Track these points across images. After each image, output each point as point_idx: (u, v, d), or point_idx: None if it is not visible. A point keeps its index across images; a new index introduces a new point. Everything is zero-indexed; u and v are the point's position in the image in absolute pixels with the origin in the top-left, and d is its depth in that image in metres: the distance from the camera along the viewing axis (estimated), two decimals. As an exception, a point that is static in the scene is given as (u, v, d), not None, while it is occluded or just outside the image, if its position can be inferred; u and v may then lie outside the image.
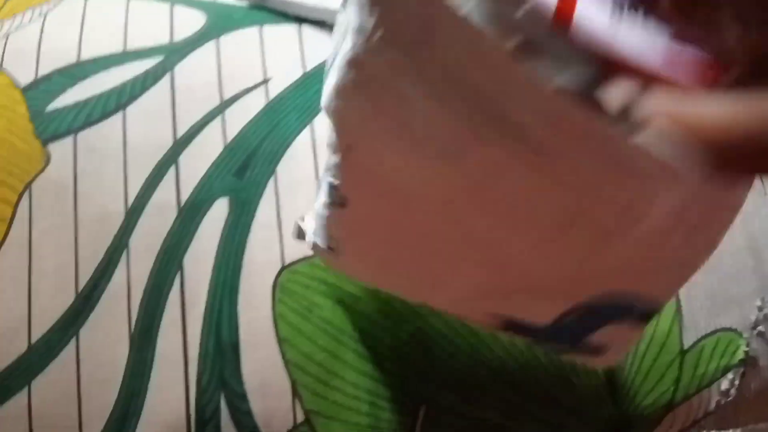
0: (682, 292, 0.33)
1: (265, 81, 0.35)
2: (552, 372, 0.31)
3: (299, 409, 0.30)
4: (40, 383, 0.30)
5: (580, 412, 0.31)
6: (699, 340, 0.32)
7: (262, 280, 0.32)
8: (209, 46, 0.36)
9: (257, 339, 0.31)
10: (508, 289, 0.24)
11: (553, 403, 0.31)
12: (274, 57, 0.36)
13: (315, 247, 0.26)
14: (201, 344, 0.30)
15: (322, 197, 0.24)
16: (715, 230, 0.22)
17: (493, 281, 0.23)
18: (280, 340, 0.31)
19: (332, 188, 0.23)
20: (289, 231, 0.32)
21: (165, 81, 0.35)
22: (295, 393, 0.30)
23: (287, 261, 0.32)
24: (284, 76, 0.35)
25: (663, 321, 0.32)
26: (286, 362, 0.31)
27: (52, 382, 0.30)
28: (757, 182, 0.35)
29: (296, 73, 0.36)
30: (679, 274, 0.23)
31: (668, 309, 0.32)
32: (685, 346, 0.32)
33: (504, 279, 0.23)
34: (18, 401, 0.29)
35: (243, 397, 0.30)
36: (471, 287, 0.24)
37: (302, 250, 0.32)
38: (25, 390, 0.30)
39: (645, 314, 0.24)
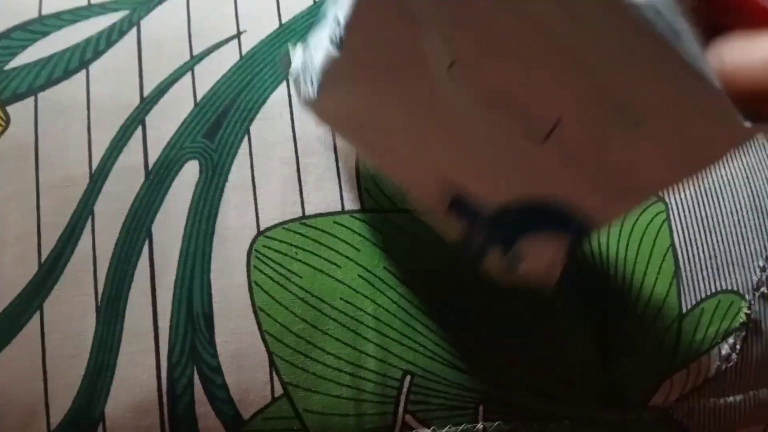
0: (681, 252, 0.31)
1: (238, 34, 0.33)
2: (541, 338, 0.30)
3: (277, 382, 0.29)
4: (3, 358, 0.28)
5: (572, 382, 0.30)
6: (698, 303, 0.31)
7: (236, 247, 0.30)
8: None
9: (231, 308, 0.29)
10: (466, 163, 0.24)
11: (544, 371, 0.30)
12: (247, 9, 0.34)
13: (296, 81, 0.26)
14: (172, 315, 0.29)
15: (325, 30, 0.23)
16: (680, 168, 0.20)
17: (453, 155, 0.24)
18: (256, 310, 0.29)
19: (336, 23, 0.22)
20: (264, 195, 0.30)
21: (131, 35, 0.32)
22: (273, 365, 0.29)
23: (263, 226, 0.30)
24: (258, 29, 0.33)
25: (660, 282, 0.31)
26: (263, 333, 0.29)
27: (15, 358, 0.28)
28: (762, 137, 0.33)
29: (271, 26, 0.34)
30: (624, 199, 0.23)
31: (666, 270, 0.31)
32: (684, 309, 0.31)
33: (464, 155, 0.24)
34: (-18, 376, 0.28)
35: (217, 369, 0.29)
36: (434, 155, 0.25)
37: (278, 215, 0.30)
38: (-11, 365, 0.28)
39: (580, 232, 0.24)
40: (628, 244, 0.31)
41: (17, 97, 0.31)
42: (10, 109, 0.31)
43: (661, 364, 0.30)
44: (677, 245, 0.31)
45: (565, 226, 0.24)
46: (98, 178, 0.30)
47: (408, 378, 0.29)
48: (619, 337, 0.30)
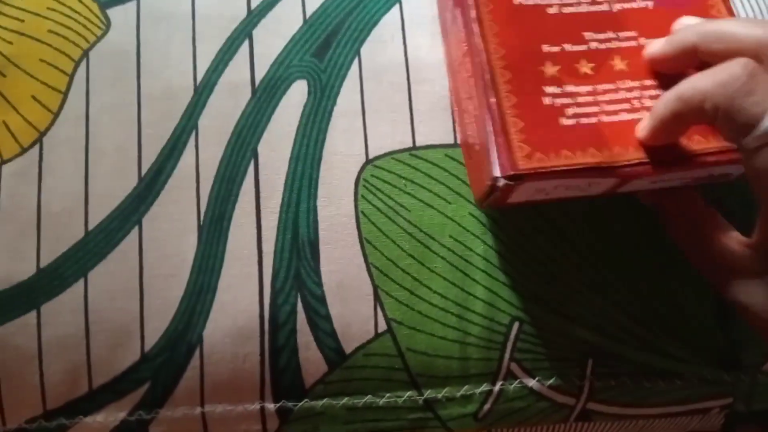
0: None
1: (351, -49, 0.31)
2: (658, 291, 0.28)
3: (381, 317, 0.27)
4: (97, 274, 0.27)
5: (686, 338, 0.28)
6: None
7: (343, 174, 0.28)
8: None
9: (338, 237, 0.28)
10: None
11: (658, 325, 0.28)
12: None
13: None
14: (276, 239, 0.27)
15: None
16: None
17: None
18: (363, 241, 0.28)
19: None
20: (373, 121, 0.29)
21: (239, -56, 0.30)
22: (377, 299, 0.27)
23: (371, 155, 0.29)
24: (372, -54, 0.31)
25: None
26: (369, 265, 0.27)
27: (111, 274, 0.27)
28: None
29: (387, -56, 0.31)
30: None
31: None
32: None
33: None
34: (74, 292, 0.27)
35: (321, 299, 0.27)
36: None
37: (388, 143, 0.29)
38: (82, 281, 0.27)
39: None
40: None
41: (119, 1, 0.29)
42: (111, 12, 0.29)
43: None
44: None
45: None
46: (202, 91, 0.28)
47: (516, 324, 0.28)
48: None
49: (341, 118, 0.29)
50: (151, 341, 0.27)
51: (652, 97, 0.25)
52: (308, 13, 0.30)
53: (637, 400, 0.29)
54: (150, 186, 0.27)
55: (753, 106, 0.20)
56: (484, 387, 0.28)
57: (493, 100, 0.24)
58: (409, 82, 0.29)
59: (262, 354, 0.27)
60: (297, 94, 0.29)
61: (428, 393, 0.28)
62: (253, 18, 0.29)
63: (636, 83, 0.25)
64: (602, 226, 0.29)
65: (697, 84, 0.22)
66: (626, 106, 0.24)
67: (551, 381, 0.28)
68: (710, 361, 0.29)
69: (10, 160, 0.27)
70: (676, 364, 0.29)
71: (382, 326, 0.27)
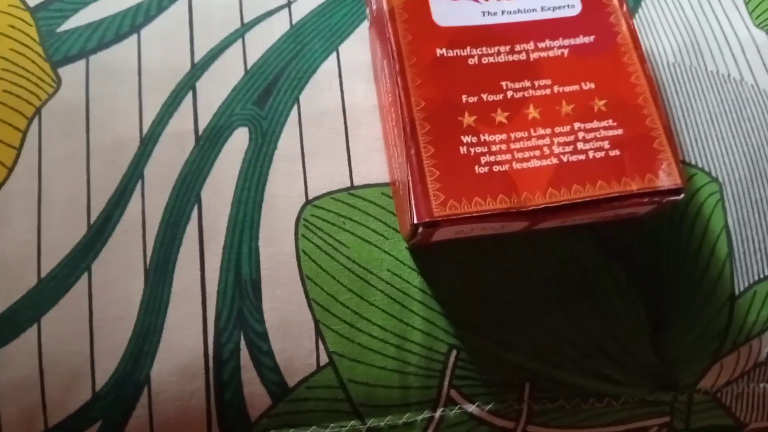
0: (735, 233, 0.30)
1: (289, 3, 0.33)
2: (592, 316, 0.29)
3: (322, 350, 0.29)
4: (50, 319, 0.28)
5: (622, 361, 0.29)
6: (751, 285, 0.30)
7: (284, 215, 0.30)
8: (229, -35, 0.33)
9: (279, 276, 0.29)
10: None
11: (596, 350, 0.29)
12: (298, -22, 0.33)
13: None
14: (220, 280, 0.29)
15: None
16: None
17: None
18: (304, 278, 0.29)
19: None
20: (313, 164, 0.30)
21: (182, 2, 0.32)
22: (319, 333, 0.29)
23: (311, 195, 0.30)
24: (309, -2, 0.33)
25: (713, 263, 0.30)
26: (310, 301, 0.29)
27: (63, 318, 0.28)
28: (820, 119, 0.32)
29: (322, -4, 0.33)
30: None
31: (719, 251, 0.30)
32: (737, 292, 0.30)
33: None
34: (28, 337, 0.28)
35: (264, 336, 0.28)
36: None
37: (326, 184, 0.30)
38: (35, 326, 0.28)
39: None
40: (681, 224, 0.31)
41: (69, 60, 0.31)
42: (61, 71, 0.31)
43: (711, 346, 0.30)
44: (731, 227, 0.31)
45: None
46: (148, 142, 0.30)
47: (454, 352, 0.29)
48: (671, 317, 0.30)
49: (282, 162, 0.30)
50: (101, 381, 0.28)
51: (560, 144, 0.26)
52: (249, 64, 0.32)
53: (576, 422, 0.30)
54: (98, 233, 0.29)
55: None
56: (425, 414, 0.29)
57: (412, 151, 0.26)
58: (347, 126, 0.31)
59: (207, 390, 0.28)
60: (239, 140, 0.30)
61: (371, 422, 0.29)
62: (197, 71, 0.31)
63: (547, 131, 0.26)
64: (535, 255, 0.30)
65: None
66: (537, 152, 0.26)
67: (490, 406, 0.29)
68: (647, 382, 0.30)
69: (-34, 213, 0.29)
70: (613, 387, 0.30)
71: (324, 359, 0.29)
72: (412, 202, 0.25)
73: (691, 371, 0.30)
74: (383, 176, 0.31)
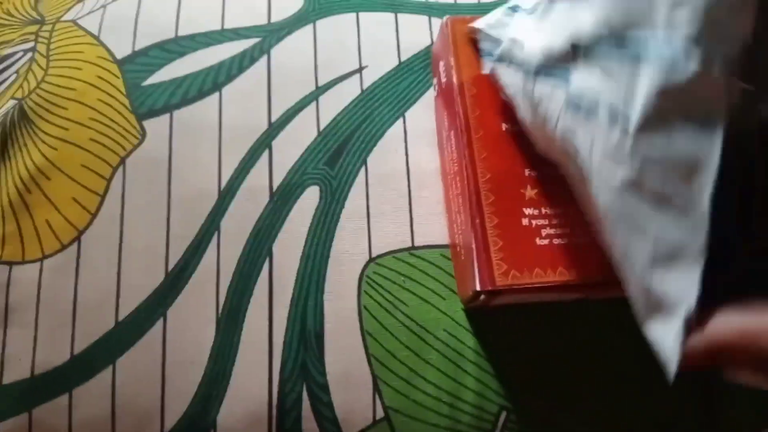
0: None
1: (360, 69, 0.35)
2: (645, 384, 0.31)
3: (379, 405, 0.30)
4: (125, 361, 0.30)
5: (674, 428, 0.31)
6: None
7: (349, 271, 0.31)
8: (306, 30, 0.35)
9: (342, 330, 0.30)
10: None
11: (645, 417, 0.31)
12: (369, 44, 0.35)
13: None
14: (286, 331, 0.30)
15: None
16: None
17: None
18: (364, 333, 0.31)
19: None
20: (377, 223, 0.32)
21: (262, 63, 0.34)
22: (376, 388, 0.30)
23: (374, 254, 0.32)
24: (379, 65, 0.35)
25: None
26: (369, 356, 0.30)
27: (137, 362, 0.30)
28: None
29: (391, 63, 0.35)
30: None
31: None
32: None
33: None
34: (102, 379, 0.30)
35: (325, 387, 0.30)
36: None
37: (389, 243, 0.32)
38: (110, 368, 0.30)
39: None
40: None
41: (154, 113, 0.33)
42: (146, 123, 0.33)
43: (760, 417, 0.31)
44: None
45: None
46: (226, 195, 0.32)
47: (504, 414, 0.30)
48: (722, 389, 0.31)
49: (348, 220, 0.32)
50: (170, 423, 0.29)
51: None
52: (322, 126, 0.33)
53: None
54: (175, 281, 0.31)
55: None
56: (474, 471, 0.30)
57: (477, 221, 0.27)
58: (410, 188, 0.33)
59: (270, 438, 0.29)
60: (310, 198, 0.32)
61: (422, 476, 0.30)
62: (273, 130, 0.33)
63: None
64: (589, 322, 0.31)
65: None
66: (594, 227, 0.27)
67: (536, 468, 0.30)
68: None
69: (50, 255, 0.31)
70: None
71: (380, 413, 0.30)
72: (476, 270, 0.27)
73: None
74: (443, 238, 0.32)
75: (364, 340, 0.31)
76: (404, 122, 0.34)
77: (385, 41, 0.36)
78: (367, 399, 0.30)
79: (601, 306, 0.31)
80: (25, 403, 0.29)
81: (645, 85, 0.19)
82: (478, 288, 0.27)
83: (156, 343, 0.30)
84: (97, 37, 0.35)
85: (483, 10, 0.36)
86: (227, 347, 0.30)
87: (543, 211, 0.28)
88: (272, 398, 0.30)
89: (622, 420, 0.30)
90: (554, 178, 0.28)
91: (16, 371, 0.30)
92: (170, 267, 0.31)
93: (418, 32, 0.36)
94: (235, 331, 0.30)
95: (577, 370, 0.31)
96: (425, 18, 0.36)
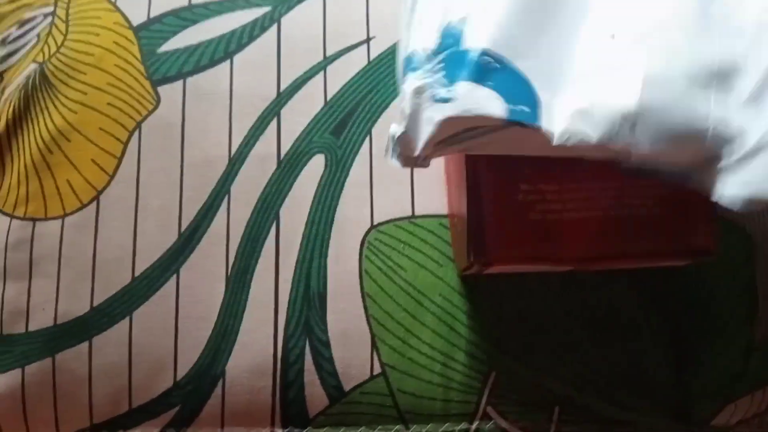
0: (761, 286, 0.33)
1: (368, 40, 0.36)
2: (623, 352, 0.32)
3: (376, 361, 0.32)
4: (141, 313, 0.32)
5: (646, 393, 0.32)
6: (770, 338, 0.33)
7: (351, 237, 0.33)
8: (316, 0, 0.36)
9: (343, 291, 0.32)
10: None
11: (622, 382, 0.32)
12: (378, 15, 0.36)
13: None
14: (291, 291, 0.32)
15: None
16: None
17: None
18: (364, 295, 0.32)
19: None
20: (379, 192, 0.33)
21: (272, 32, 0.35)
22: (374, 346, 0.32)
23: (376, 221, 0.33)
24: (387, 36, 0.36)
25: (738, 312, 0.33)
26: (368, 316, 0.32)
27: (152, 314, 0.32)
28: None
29: (399, 34, 0.36)
30: None
31: (744, 300, 0.33)
32: (756, 341, 0.33)
33: None
34: (120, 329, 0.32)
35: (326, 343, 0.32)
36: None
37: (391, 211, 0.33)
38: (127, 319, 0.32)
39: None
40: (713, 275, 0.33)
41: (167, 80, 0.34)
42: (161, 89, 0.34)
43: (728, 388, 0.33)
44: (758, 280, 0.33)
45: None
46: (236, 162, 0.33)
47: (493, 374, 0.32)
48: (695, 357, 0.33)
49: (352, 188, 0.34)
50: (182, 372, 0.32)
51: (608, 198, 0.29)
52: (329, 95, 0.35)
53: (597, 446, 0.33)
54: (188, 241, 0.33)
55: None
56: (463, 425, 0.32)
57: (474, 193, 0.29)
58: (412, 158, 0.34)
59: (274, 387, 0.32)
60: (316, 166, 0.34)
61: (414, 428, 0.32)
62: (282, 99, 0.34)
63: (597, 184, 0.29)
64: (575, 292, 0.33)
65: None
66: (586, 204, 0.29)
67: (521, 423, 0.33)
68: (668, 415, 0.33)
69: (71, 213, 0.33)
70: (635, 416, 0.33)
71: (377, 369, 0.32)
72: (471, 240, 0.28)
73: (709, 408, 0.33)
74: (442, 208, 0.34)
75: (364, 301, 0.32)
76: (409, 93, 0.35)
77: (394, 13, 0.36)
78: (365, 355, 0.32)
79: (588, 277, 0.33)
80: (49, 348, 0.32)
81: None
82: (472, 258, 0.28)
83: (170, 298, 0.32)
84: (114, 3, 0.36)
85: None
86: (236, 304, 0.32)
87: (538, 186, 0.29)
88: (277, 352, 0.32)
89: (602, 383, 0.32)
90: (551, 157, 0.29)
91: (41, 320, 0.32)
92: (183, 227, 0.33)
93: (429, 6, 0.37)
94: (243, 290, 0.32)
95: (560, 335, 0.32)
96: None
